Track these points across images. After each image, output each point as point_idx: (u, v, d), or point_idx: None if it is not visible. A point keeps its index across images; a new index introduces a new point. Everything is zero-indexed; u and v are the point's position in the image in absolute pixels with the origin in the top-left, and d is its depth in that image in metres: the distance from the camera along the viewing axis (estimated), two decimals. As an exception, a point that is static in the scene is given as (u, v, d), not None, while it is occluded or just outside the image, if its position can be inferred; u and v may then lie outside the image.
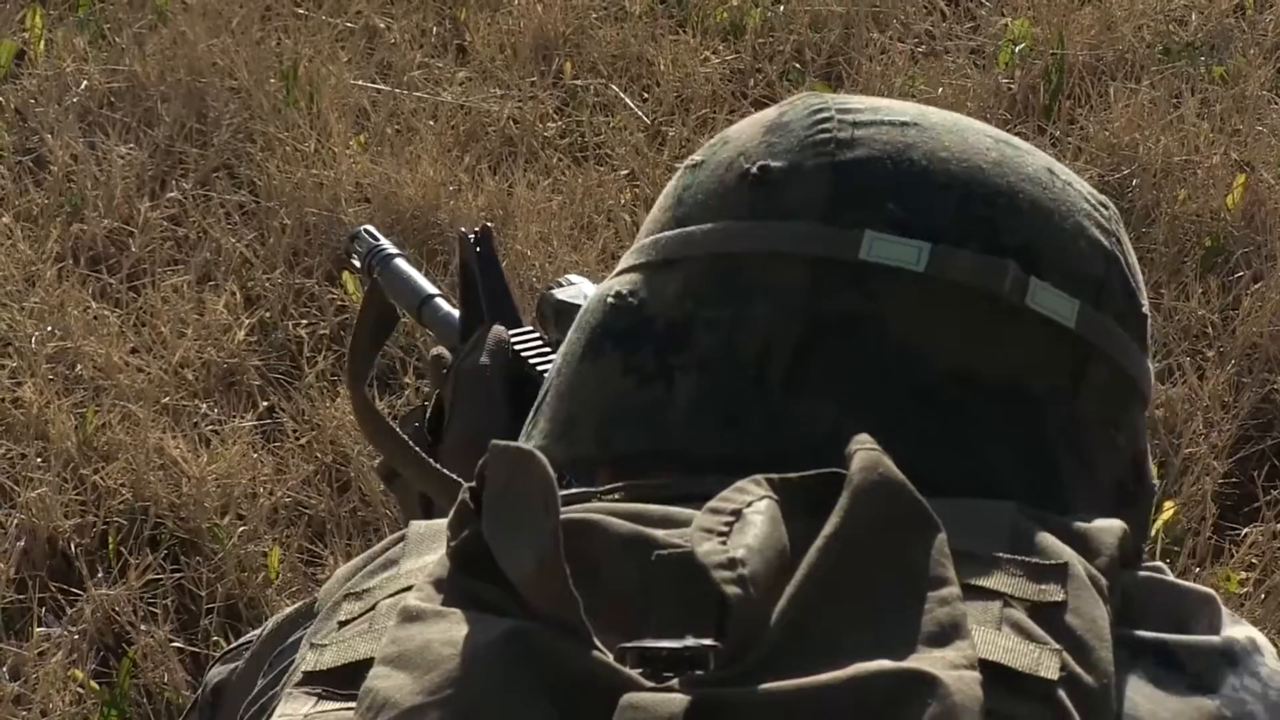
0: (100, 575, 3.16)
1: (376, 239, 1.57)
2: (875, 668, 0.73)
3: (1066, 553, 0.83)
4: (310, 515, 3.28)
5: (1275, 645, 0.88)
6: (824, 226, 0.91)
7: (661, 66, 4.38)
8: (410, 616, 0.79)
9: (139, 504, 3.28)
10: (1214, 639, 0.84)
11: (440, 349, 1.43)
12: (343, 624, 0.85)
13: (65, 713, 2.95)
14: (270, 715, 0.84)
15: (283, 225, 3.88)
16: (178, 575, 3.17)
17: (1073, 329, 0.92)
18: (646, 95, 4.34)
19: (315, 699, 0.82)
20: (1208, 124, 4.17)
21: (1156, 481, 0.98)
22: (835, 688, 0.73)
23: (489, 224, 1.47)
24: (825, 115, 0.95)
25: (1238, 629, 0.86)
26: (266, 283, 3.77)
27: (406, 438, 1.29)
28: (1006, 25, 4.52)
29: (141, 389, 3.49)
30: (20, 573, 3.17)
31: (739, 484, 0.80)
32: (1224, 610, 0.86)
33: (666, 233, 0.96)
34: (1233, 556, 3.21)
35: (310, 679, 0.83)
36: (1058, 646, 0.78)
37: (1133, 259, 0.97)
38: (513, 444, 0.80)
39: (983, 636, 0.77)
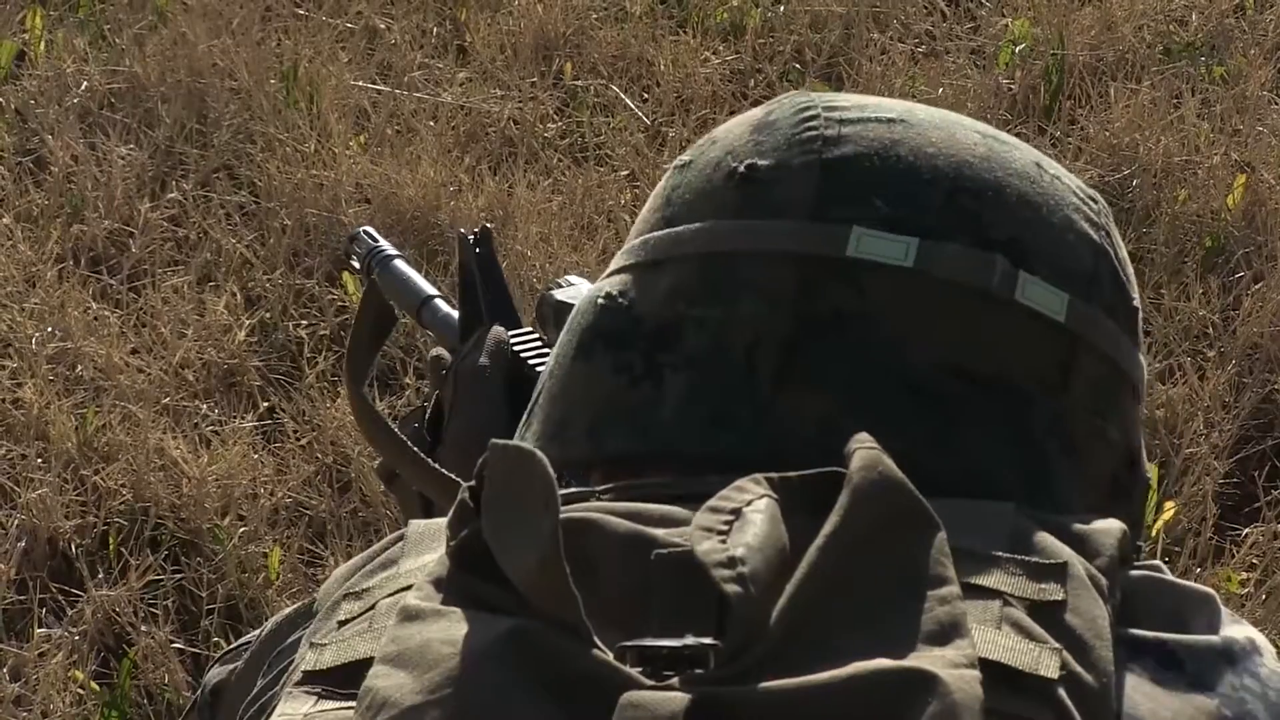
0: (101, 576, 3.16)
1: (376, 240, 1.57)
2: (875, 666, 0.73)
3: (1066, 552, 0.83)
4: (311, 516, 3.28)
5: (1275, 646, 0.88)
6: (812, 224, 0.91)
7: (662, 67, 4.38)
8: (410, 615, 0.79)
9: (139, 505, 3.28)
10: (1213, 639, 0.84)
11: (440, 350, 1.43)
12: (342, 623, 0.85)
13: (66, 714, 2.95)
14: (270, 715, 0.84)
15: (283, 226, 3.88)
16: (178, 576, 3.16)
17: (1062, 322, 0.92)
18: (647, 96, 4.34)
19: (315, 698, 0.82)
20: (1208, 124, 4.17)
21: (1150, 474, 0.98)
22: (835, 686, 0.73)
23: (489, 225, 1.47)
24: (812, 113, 0.95)
25: (1237, 629, 0.86)
26: (267, 283, 3.77)
27: (406, 438, 1.29)
28: (1007, 25, 4.52)
29: (142, 390, 3.49)
30: (21, 573, 3.17)
31: (738, 483, 0.80)
32: (1223, 610, 0.86)
33: (655, 233, 0.96)
34: (1233, 557, 3.21)
35: (310, 678, 0.83)
36: (1057, 645, 0.78)
37: (1123, 252, 0.97)
38: (512, 443, 0.80)
39: (982, 635, 0.78)
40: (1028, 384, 0.91)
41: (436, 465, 1.24)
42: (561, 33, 4.50)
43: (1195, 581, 0.95)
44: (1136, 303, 0.97)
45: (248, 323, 3.67)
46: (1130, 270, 0.98)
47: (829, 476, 0.81)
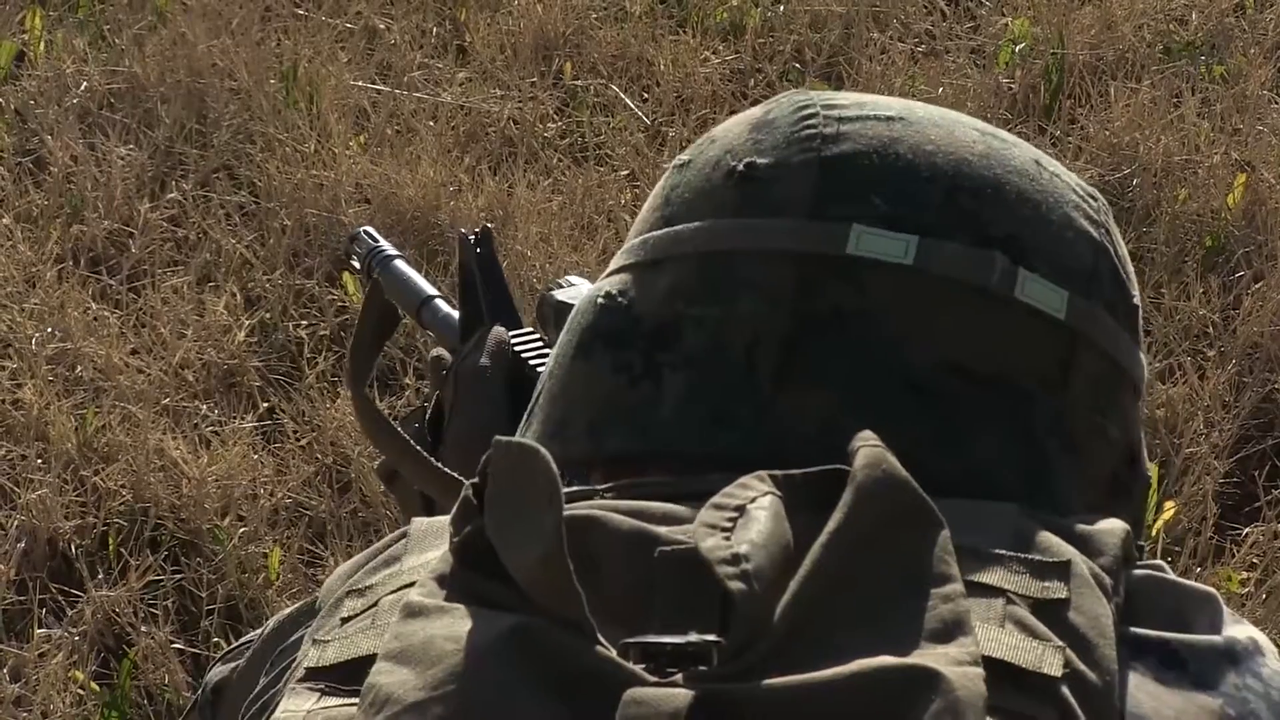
0: (100, 576, 3.16)
1: (376, 240, 1.57)
2: (879, 663, 0.73)
3: (1069, 551, 0.83)
4: (311, 516, 3.28)
5: (1277, 645, 0.88)
6: (811, 222, 0.91)
7: (661, 67, 4.38)
8: (413, 612, 0.79)
9: (139, 505, 3.28)
10: (1216, 638, 0.84)
11: (440, 350, 1.43)
12: (345, 620, 0.85)
13: (66, 714, 2.95)
14: (272, 712, 0.84)
15: (283, 226, 3.88)
16: (178, 576, 3.16)
17: (1062, 320, 0.92)
18: (646, 95, 4.34)
19: (318, 695, 0.82)
20: (1208, 123, 4.17)
21: (1150, 472, 0.98)
22: (839, 683, 0.73)
23: (489, 225, 1.47)
24: (811, 111, 0.95)
25: (1239, 629, 0.86)
26: (266, 284, 3.77)
27: (408, 437, 1.29)
28: (1007, 25, 4.52)
29: (141, 390, 3.49)
30: (21, 574, 3.17)
31: (742, 480, 0.80)
32: (1225, 610, 0.86)
33: (654, 232, 0.96)
34: (1234, 556, 3.21)
35: (313, 675, 0.83)
36: (1061, 643, 0.78)
37: (1123, 250, 0.97)
38: (516, 439, 0.80)
39: (986, 633, 0.77)
40: (1028, 382, 0.91)
41: (438, 464, 1.24)
42: (561, 32, 4.50)
43: (1196, 581, 0.95)
44: (1137, 300, 0.97)
45: (247, 323, 3.67)
46: (1130, 268, 0.98)
47: (832, 474, 0.81)
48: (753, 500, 0.79)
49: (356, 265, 1.58)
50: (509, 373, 1.32)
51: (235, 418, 3.48)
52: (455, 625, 0.77)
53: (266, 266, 3.81)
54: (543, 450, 0.78)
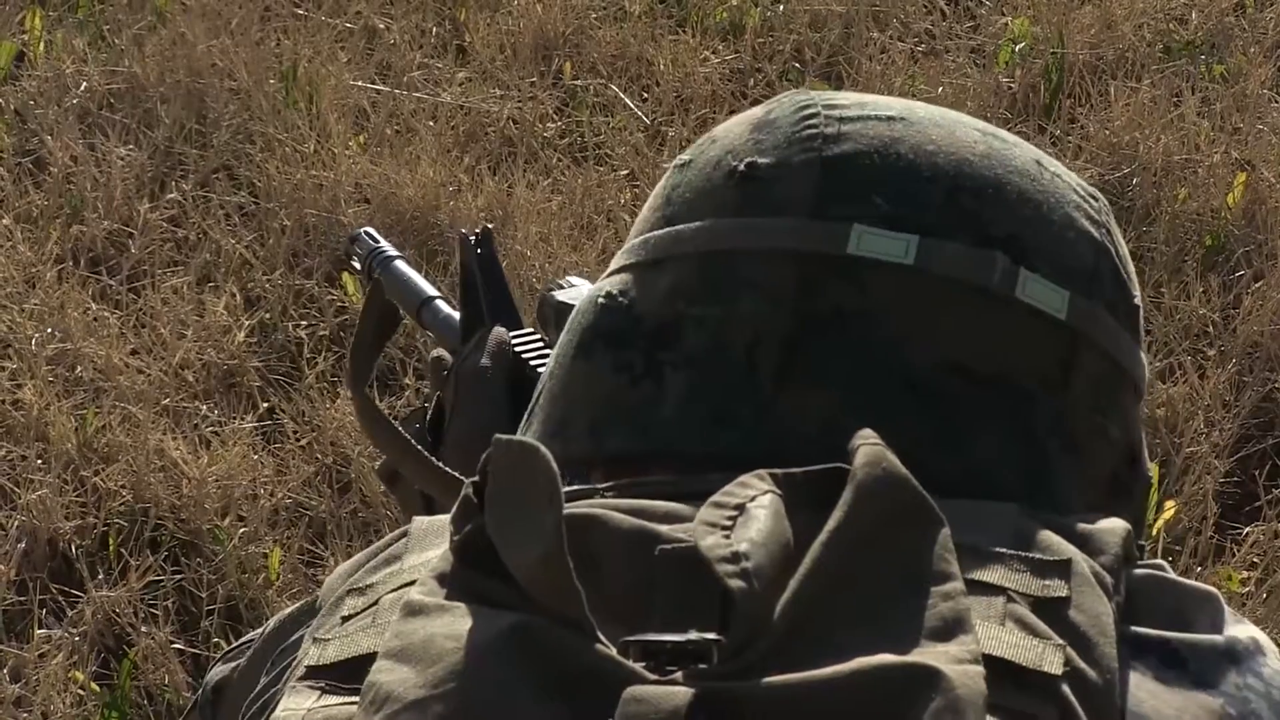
0: (101, 577, 3.16)
1: (377, 241, 1.57)
2: (879, 661, 0.73)
3: (1069, 550, 0.83)
4: (311, 516, 3.28)
5: (1278, 645, 0.87)
6: (812, 222, 0.91)
7: (661, 66, 4.38)
8: (413, 611, 0.79)
9: (139, 505, 3.28)
10: (1217, 638, 0.84)
11: (440, 351, 1.43)
12: (345, 619, 0.85)
13: (66, 714, 2.95)
14: (272, 711, 0.84)
15: (282, 226, 3.88)
16: (178, 577, 3.16)
17: (1063, 320, 0.92)
18: (646, 95, 4.34)
19: (318, 693, 0.82)
20: (1208, 123, 4.17)
21: (1151, 471, 0.98)
22: (839, 681, 0.73)
23: (489, 225, 1.47)
24: (812, 111, 0.95)
25: (1240, 628, 0.86)
26: (266, 284, 3.77)
27: (408, 436, 1.29)
28: (1006, 24, 4.52)
29: (141, 390, 3.49)
30: (21, 574, 3.17)
31: (742, 479, 0.80)
32: (1227, 610, 0.86)
33: (655, 232, 0.96)
34: (1234, 556, 3.21)
35: (313, 673, 0.83)
36: (1061, 642, 0.78)
37: (1124, 250, 0.97)
38: (516, 438, 0.80)
39: (986, 631, 0.77)
40: (1029, 382, 0.91)
41: (439, 464, 1.24)
42: (561, 32, 4.50)
43: (1196, 580, 0.94)
44: (1137, 300, 0.97)
45: (247, 323, 3.67)
46: (1131, 268, 0.98)
47: (833, 473, 0.81)
48: (753, 499, 0.79)
49: (357, 266, 1.58)
50: (510, 373, 1.32)
51: (235, 418, 3.48)
52: (455, 624, 0.77)
53: (266, 267, 3.81)
54: (543, 449, 0.78)
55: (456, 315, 1.46)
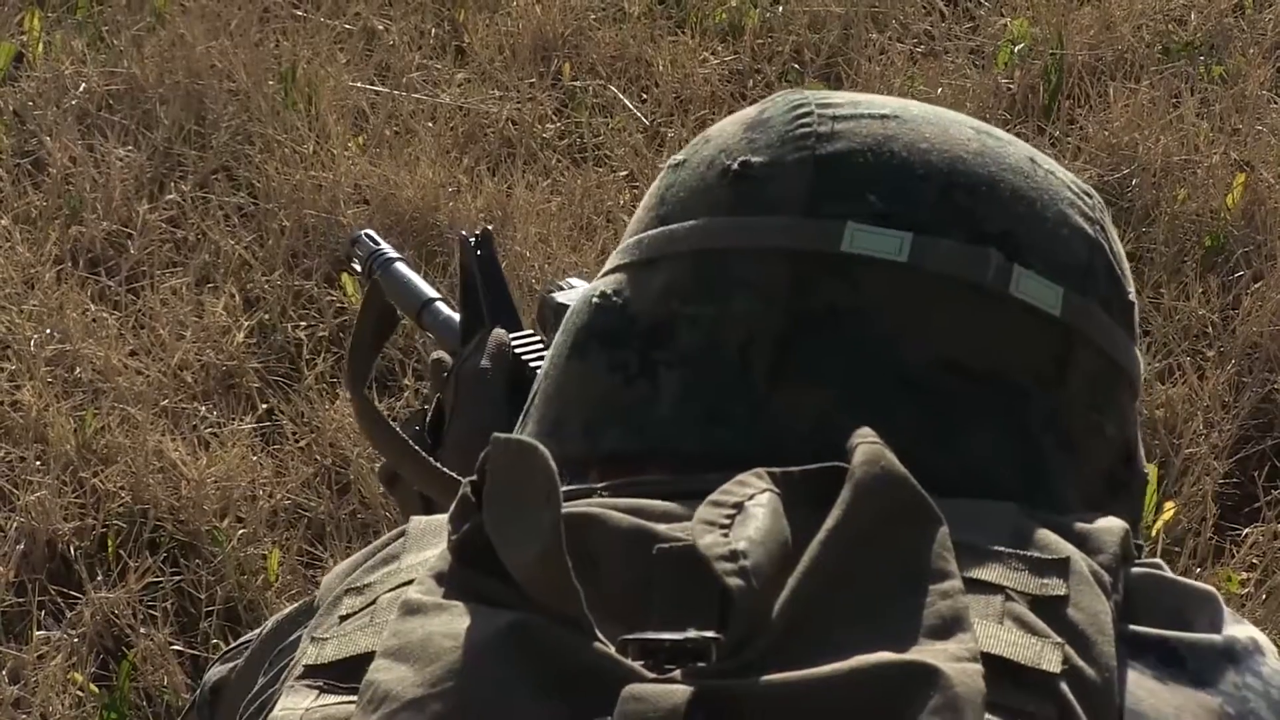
0: (100, 578, 3.16)
1: (377, 243, 1.58)
2: (877, 659, 0.73)
3: (1067, 548, 0.82)
4: (310, 518, 3.28)
5: (1278, 646, 0.87)
6: (805, 220, 0.91)
7: (660, 67, 4.38)
8: (411, 609, 0.79)
9: (138, 507, 3.28)
10: (1216, 637, 0.84)
11: (441, 353, 1.43)
12: (343, 618, 0.85)
13: (65, 716, 2.95)
14: (270, 711, 0.84)
15: (281, 227, 3.88)
16: (177, 578, 3.16)
17: (1058, 316, 0.92)
18: (645, 96, 4.34)
19: (316, 692, 0.82)
20: (1207, 123, 4.17)
21: (1148, 470, 0.98)
22: (837, 679, 0.73)
23: (489, 227, 1.47)
24: (805, 110, 0.95)
25: (1240, 628, 0.86)
26: (265, 285, 3.77)
27: (407, 437, 1.29)
28: (1005, 25, 4.53)
29: (140, 391, 3.49)
30: (20, 576, 3.17)
31: (740, 477, 0.80)
32: (1226, 610, 0.86)
33: (649, 232, 0.96)
34: (1233, 557, 3.21)
35: (311, 672, 0.83)
36: (1060, 640, 0.78)
37: (1117, 247, 0.97)
38: (514, 436, 0.80)
39: (984, 630, 0.77)
40: (1023, 379, 0.91)
41: (437, 464, 1.24)
42: (560, 33, 4.50)
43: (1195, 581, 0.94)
44: (1132, 297, 0.97)
45: (246, 324, 3.67)
46: (1125, 265, 0.98)
47: (831, 471, 0.81)
48: (751, 497, 0.79)
49: (358, 268, 1.58)
50: (509, 374, 1.32)
51: (234, 419, 3.48)
52: (453, 622, 0.77)
53: (265, 267, 3.81)
54: (541, 447, 0.78)
55: (457, 317, 1.46)
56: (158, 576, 3.15)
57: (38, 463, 3.36)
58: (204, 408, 3.50)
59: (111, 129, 4.18)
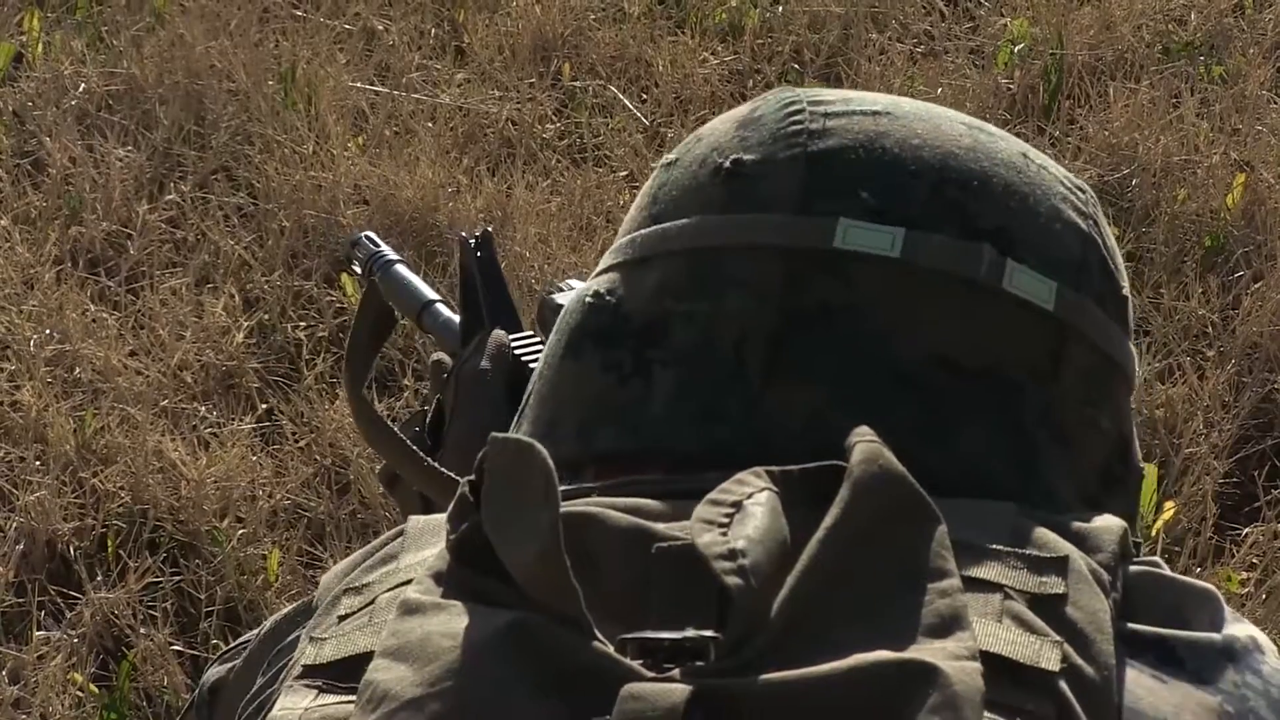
0: (99, 578, 3.16)
1: (377, 245, 1.58)
2: (876, 658, 0.73)
3: (1066, 547, 0.82)
4: (309, 518, 3.28)
5: (1277, 645, 0.87)
6: (798, 217, 0.91)
7: (660, 68, 4.38)
8: (410, 609, 0.79)
9: (138, 507, 3.28)
10: (1215, 636, 0.84)
11: (441, 355, 1.43)
12: (342, 618, 0.85)
13: (65, 716, 2.95)
14: (269, 712, 0.84)
15: (281, 227, 3.88)
16: (177, 578, 3.16)
17: (1051, 311, 0.92)
18: (645, 96, 4.34)
19: (315, 692, 0.82)
20: (1207, 123, 4.17)
21: (1143, 464, 0.98)
22: (836, 678, 0.73)
23: (489, 228, 1.47)
24: (797, 107, 0.95)
25: (1239, 627, 0.85)
26: (265, 285, 3.77)
27: (405, 438, 1.29)
28: (1005, 25, 4.53)
29: (140, 392, 3.49)
30: (19, 576, 3.17)
31: (739, 476, 0.80)
32: (1226, 608, 0.86)
33: (642, 231, 0.96)
34: (1233, 556, 3.21)
35: (310, 672, 0.83)
36: (1058, 638, 0.78)
37: (1111, 241, 0.97)
38: (512, 436, 0.80)
39: (983, 628, 0.77)
40: (1018, 373, 0.91)
41: (437, 465, 1.24)
42: (560, 33, 4.50)
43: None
44: (1126, 291, 0.97)
45: (246, 324, 3.67)
46: (1119, 259, 0.98)
47: (829, 470, 0.81)
48: (749, 496, 0.79)
49: (358, 270, 1.58)
50: (509, 376, 1.32)
51: (234, 419, 3.48)
52: (452, 622, 0.77)
53: (265, 268, 3.81)
54: (539, 446, 0.78)
55: (457, 319, 1.46)
56: (157, 577, 3.15)
57: (37, 463, 3.36)
58: (204, 408, 3.50)
59: (111, 129, 4.18)
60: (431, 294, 1.52)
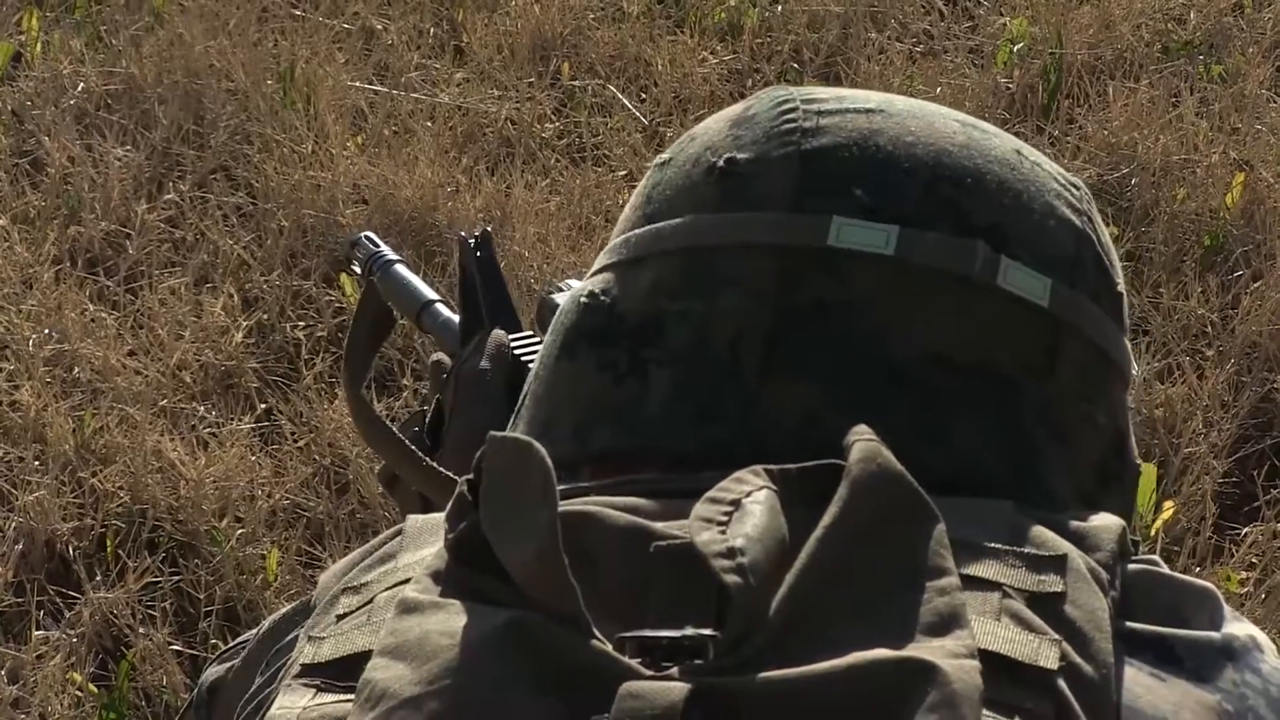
0: (98, 578, 3.16)
1: (377, 245, 1.58)
2: (874, 656, 0.73)
3: (1065, 545, 0.82)
4: (309, 518, 3.28)
5: (1277, 644, 0.87)
6: (792, 215, 0.91)
7: (659, 67, 4.38)
8: (408, 608, 0.79)
9: (137, 507, 3.28)
10: (1214, 635, 0.84)
11: (440, 355, 1.43)
12: (340, 617, 0.85)
13: (64, 716, 2.95)
14: (267, 711, 0.84)
15: (280, 227, 3.88)
16: (176, 578, 3.16)
17: (1046, 308, 0.92)
18: (644, 96, 4.34)
19: (314, 691, 0.82)
20: (1206, 123, 4.17)
21: (1139, 461, 0.98)
22: (835, 676, 0.73)
23: (488, 228, 1.47)
24: (790, 106, 0.95)
25: (1239, 626, 0.86)
26: (264, 285, 3.77)
27: (404, 438, 1.29)
28: (1005, 25, 4.53)
29: (139, 391, 3.49)
30: (18, 576, 3.17)
31: (737, 474, 0.80)
32: (1226, 607, 0.86)
33: (636, 230, 0.96)
34: (1233, 556, 3.21)
35: (308, 671, 0.83)
36: (1057, 637, 0.78)
37: (1105, 238, 0.97)
38: (510, 435, 0.80)
39: (982, 626, 0.77)
40: (1013, 370, 0.91)
41: (436, 465, 1.24)
42: (559, 33, 4.50)
43: (1194, 581, 0.94)
44: (1121, 288, 0.97)
45: (245, 324, 3.67)
46: (1114, 256, 0.98)
47: (828, 468, 0.81)
48: (748, 494, 0.79)
49: (357, 270, 1.58)
50: (508, 376, 1.32)
51: (233, 419, 3.48)
52: (450, 621, 0.77)
53: (264, 267, 3.81)
54: (537, 445, 0.78)
55: (456, 319, 1.46)
56: (156, 576, 3.15)
57: (36, 463, 3.36)
58: (203, 408, 3.50)
59: (110, 129, 4.18)
60: (431, 294, 1.52)
